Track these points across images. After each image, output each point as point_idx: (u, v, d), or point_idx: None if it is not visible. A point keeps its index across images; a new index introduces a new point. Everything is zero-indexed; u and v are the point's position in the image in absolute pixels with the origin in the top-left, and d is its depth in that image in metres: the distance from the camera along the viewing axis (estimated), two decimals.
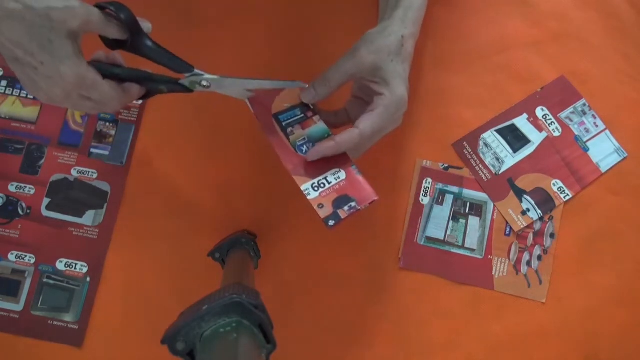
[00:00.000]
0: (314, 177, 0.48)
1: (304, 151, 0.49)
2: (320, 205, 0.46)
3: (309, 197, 0.47)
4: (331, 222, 0.46)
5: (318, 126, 0.51)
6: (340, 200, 0.47)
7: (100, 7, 0.45)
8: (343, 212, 0.46)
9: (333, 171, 0.48)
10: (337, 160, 0.49)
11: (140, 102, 0.64)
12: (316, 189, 0.47)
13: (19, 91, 0.65)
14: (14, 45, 0.42)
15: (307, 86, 0.52)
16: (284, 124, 0.51)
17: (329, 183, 0.48)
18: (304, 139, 0.50)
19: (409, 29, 0.52)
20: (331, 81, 0.50)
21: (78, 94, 0.45)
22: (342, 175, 0.48)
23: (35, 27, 0.41)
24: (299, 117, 0.51)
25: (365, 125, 0.48)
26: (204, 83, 0.49)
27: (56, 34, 0.42)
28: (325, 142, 0.48)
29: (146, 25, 0.48)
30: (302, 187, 0.47)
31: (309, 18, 0.67)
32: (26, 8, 0.41)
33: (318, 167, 0.48)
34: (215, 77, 0.49)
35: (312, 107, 0.52)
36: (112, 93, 0.47)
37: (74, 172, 0.63)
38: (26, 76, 0.45)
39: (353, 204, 0.47)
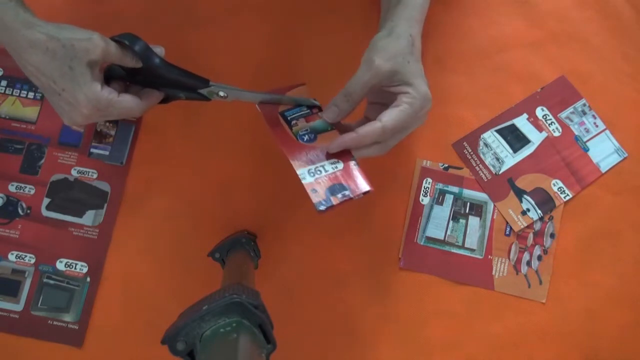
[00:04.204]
0: (311, 164, 0.48)
1: (305, 139, 0.50)
2: (314, 190, 0.46)
3: (303, 181, 0.47)
4: (322, 207, 0.46)
5: (322, 120, 0.52)
6: (334, 188, 0.47)
7: (115, 40, 0.48)
8: (335, 199, 0.46)
9: (332, 161, 0.49)
10: (338, 154, 0.49)
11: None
12: (312, 174, 0.47)
13: (18, 91, 0.65)
14: (39, 72, 0.46)
15: (318, 102, 0.53)
16: (289, 118, 0.51)
17: (326, 171, 0.48)
18: (307, 129, 0.51)
19: (416, 27, 0.51)
20: (353, 95, 0.49)
21: (97, 115, 0.48)
22: (340, 165, 0.49)
23: (57, 55, 0.44)
24: (304, 112, 0.52)
25: (389, 119, 0.47)
26: (221, 93, 0.51)
27: (77, 62, 0.45)
28: (347, 134, 0.48)
29: (159, 50, 0.51)
30: (299, 171, 0.47)
31: (309, 17, 0.67)
32: (50, 38, 0.44)
33: (318, 155, 0.49)
34: (233, 89, 0.51)
35: (319, 105, 0.53)
36: (130, 105, 0.49)
37: (74, 172, 0.63)
38: (53, 102, 0.48)
39: (347, 192, 0.47)
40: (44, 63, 0.45)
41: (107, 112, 0.49)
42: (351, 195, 0.47)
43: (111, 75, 0.52)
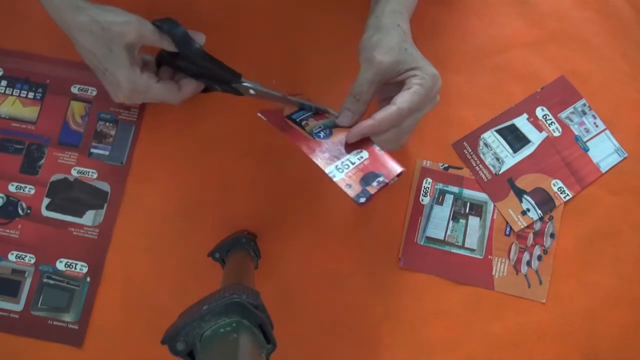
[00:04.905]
0: (336, 159, 0.47)
1: (321, 137, 0.49)
2: (348, 185, 0.45)
3: (335, 179, 0.46)
4: (362, 199, 0.45)
5: (331, 118, 0.52)
6: (367, 178, 0.46)
7: (157, 25, 0.51)
8: (372, 188, 0.45)
9: (355, 152, 0.48)
10: (359, 144, 0.49)
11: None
12: (341, 170, 0.46)
13: (18, 91, 0.65)
14: (87, 52, 0.50)
15: (333, 111, 0.53)
16: (297, 120, 0.51)
17: (353, 163, 0.47)
18: (320, 127, 0.50)
19: (402, 19, 0.52)
20: (362, 94, 0.49)
21: (138, 96, 0.53)
22: (365, 154, 0.48)
23: (99, 37, 0.48)
24: (310, 114, 0.52)
25: (402, 100, 0.47)
26: (251, 92, 0.54)
27: (116, 44, 0.49)
28: (363, 122, 0.48)
29: (200, 37, 0.54)
30: (327, 170, 0.46)
31: (309, 17, 0.67)
32: (93, 20, 0.48)
33: (339, 149, 0.48)
34: (261, 88, 0.53)
35: (330, 112, 0.53)
36: (166, 93, 0.54)
37: (74, 172, 0.63)
38: (101, 80, 0.52)
39: (381, 178, 0.46)
40: (90, 44, 0.49)
41: (146, 96, 0.53)
42: (387, 181, 0.46)
43: (162, 61, 0.56)
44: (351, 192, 0.45)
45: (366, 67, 0.49)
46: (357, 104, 0.50)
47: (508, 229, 0.63)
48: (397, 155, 0.63)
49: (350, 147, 0.48)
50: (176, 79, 0.56)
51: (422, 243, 0.62)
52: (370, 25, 0.51)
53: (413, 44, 0.51)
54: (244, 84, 0.53)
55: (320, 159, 0.47)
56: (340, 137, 0.49)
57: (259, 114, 0.51)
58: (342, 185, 0.45)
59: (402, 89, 0.49)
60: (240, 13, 0.67)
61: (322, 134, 0.49)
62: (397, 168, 0.47)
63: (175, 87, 0.54)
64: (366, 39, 0.51)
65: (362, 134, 0.48)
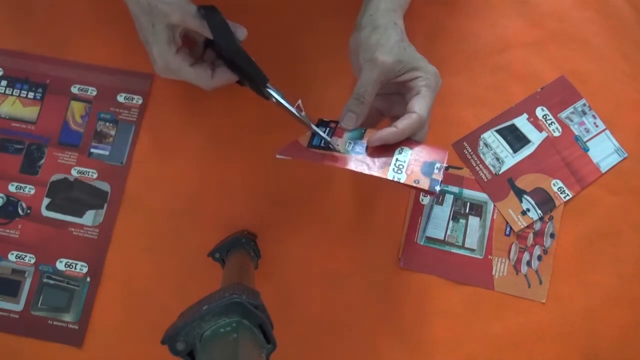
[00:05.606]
0: (387, 164, 0.48)
1: (358, 151, 0.50)
2: (416, 181, 0.47)
3: (401, 181, 0.47)
4: (437, 187, 0.46)
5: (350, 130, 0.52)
6: (425, 168, 0.47)
7: (200, 11, 0.51)
8: (437, 175, 0.47)
9: (397, 151, 0.49)
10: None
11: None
12: (399, 172, 0.47)
13: (18, 91, 0.65)
14: (136, 19, 0.52)
15: (340, 150, 0.52)
16: (323, 145, 0.51)
17: (404, 161, 0.48)
18: (350, 143, 0.50)
19: (395, 16, 0.52)
20: (365, 96, 0.50)
21: (171, 74, 0.54)
22: (407, 149, 0.49)
23: (145, 11, 0.50)
24: (327, 132, 0.52)
25: (420, 107, 0.48)
26: (274, 100, 0.53)
27: (158, 22, 0.50)
28: (386, 129, 0.48)
29: (240, 31, 0.54)
30: (389, 177, 0.47)
31: (309, 18, 0.67)
32: None
33: (384, 155, 0.49)
34: (280, 99, 0.52)
35: (329, 121, 0.53)
36: (197, 78, 0.54)
37: (74, 172, 0.63)
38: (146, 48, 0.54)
39: (438, 164, 0.48)
40: (137, 13, 0.51)
41: (179, 76, 0.54)
42: (444, 164, 0.48)
43: (208, 44, 0.57)
44: (424, 185, 0.46)
45: (369, 67, 0.49)
46: (361, 105, 0.50)
47: (508, 229, 0.63)
48: None
49: (389, 148, 0.49)
50: (217, 63, 0.56)
51: (422, 243, 0.62)
52: (365, 24, 0.51)
53: (409, 42, 0.52)
54: (268, 89, 0.52)
55: (377, 172, 0.48)
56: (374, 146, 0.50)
57: (278, 156, 0.50)
58: (411, 182, 0.47)
59: (412, 94, 0.49)
60: (241, 13, 0.67)
61: (357, 148, 0.50)
62: (444, 152, 0.49)
63: (208, 74, 0.54)
64: (363, 38, 0.50)
65: (385, 141, 0.48)
